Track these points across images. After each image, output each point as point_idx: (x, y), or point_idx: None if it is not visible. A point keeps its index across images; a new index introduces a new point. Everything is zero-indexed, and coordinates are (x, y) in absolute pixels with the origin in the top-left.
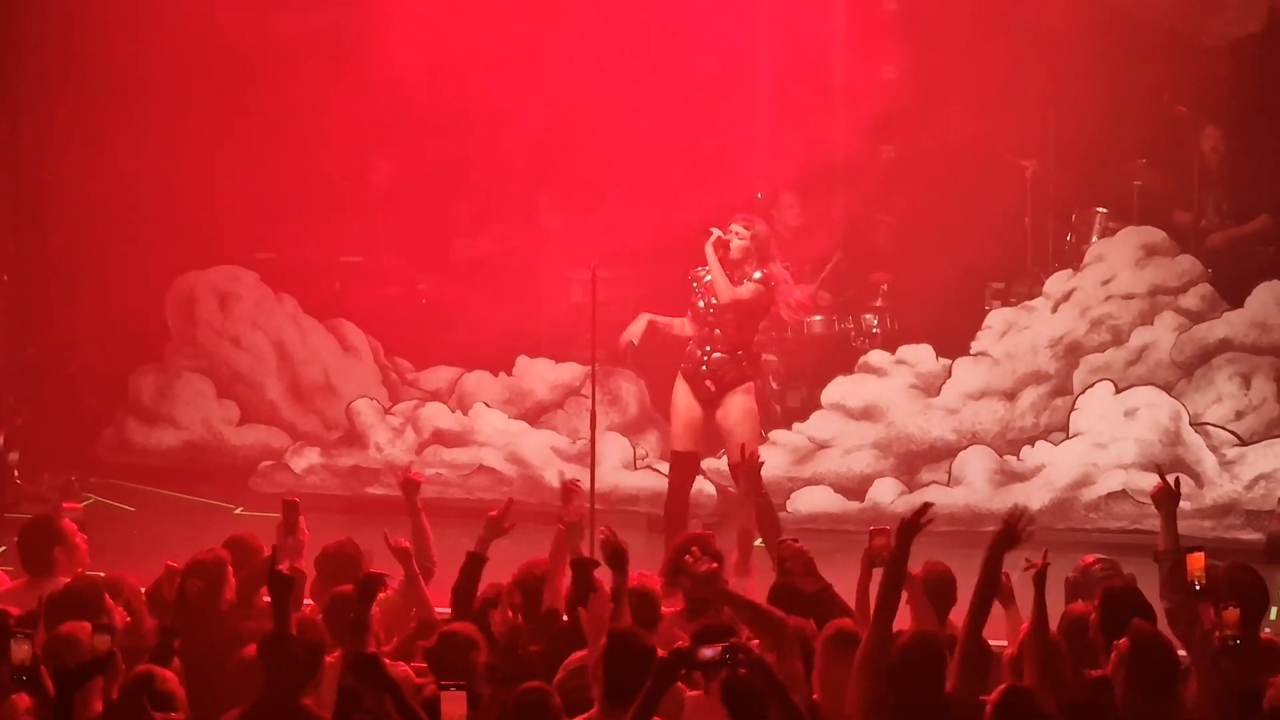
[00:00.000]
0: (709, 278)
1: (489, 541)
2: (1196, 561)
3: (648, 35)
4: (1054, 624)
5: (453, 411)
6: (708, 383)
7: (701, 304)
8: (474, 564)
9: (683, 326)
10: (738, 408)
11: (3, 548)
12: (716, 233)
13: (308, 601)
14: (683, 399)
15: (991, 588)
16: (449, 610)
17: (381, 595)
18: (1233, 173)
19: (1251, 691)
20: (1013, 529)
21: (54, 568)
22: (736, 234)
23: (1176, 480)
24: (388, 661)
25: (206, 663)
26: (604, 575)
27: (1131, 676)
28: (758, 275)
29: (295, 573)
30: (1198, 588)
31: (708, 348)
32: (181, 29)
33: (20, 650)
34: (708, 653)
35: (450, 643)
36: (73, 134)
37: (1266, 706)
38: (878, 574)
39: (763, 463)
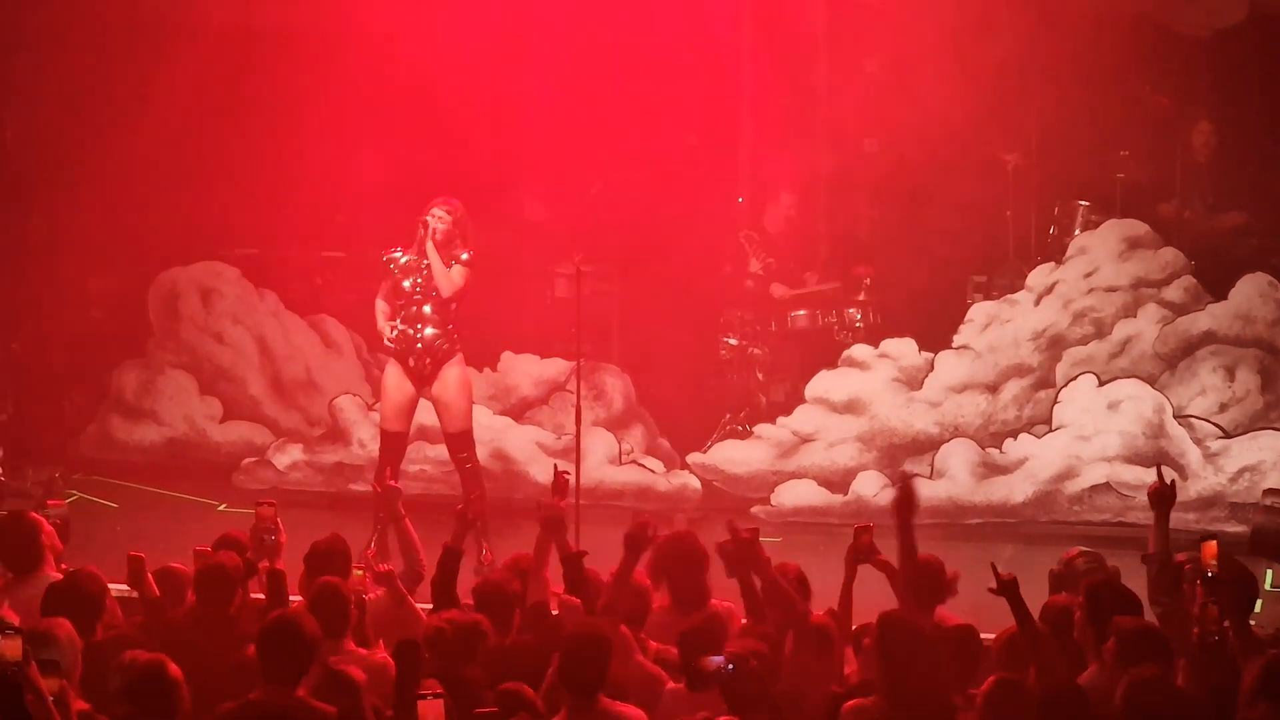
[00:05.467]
0: (404, 259)
1: (463, 535)
2: (1210, 550)
3: (632, 30)
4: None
5: None
6: (426, 360)
7: (407, 284)
8: (450, 558)
9: None
10: (453, 379)
11: None
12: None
13: (296, 597)
14: (394, 380)
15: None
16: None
17: (370, 597)
18: (1217, 164)
19: (1228, 686)
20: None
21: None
22: (439, 219)
23: (1173, 481)
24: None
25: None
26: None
27: (1124, 670)
28: (465, 256)
29: (275, 573)
30: (1209, 575)
31: (419, 325)
32: (164, 24)
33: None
34: (715, 661)
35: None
36: (56, 130)
37: (1244, 688)
38: (864, 571)
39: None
